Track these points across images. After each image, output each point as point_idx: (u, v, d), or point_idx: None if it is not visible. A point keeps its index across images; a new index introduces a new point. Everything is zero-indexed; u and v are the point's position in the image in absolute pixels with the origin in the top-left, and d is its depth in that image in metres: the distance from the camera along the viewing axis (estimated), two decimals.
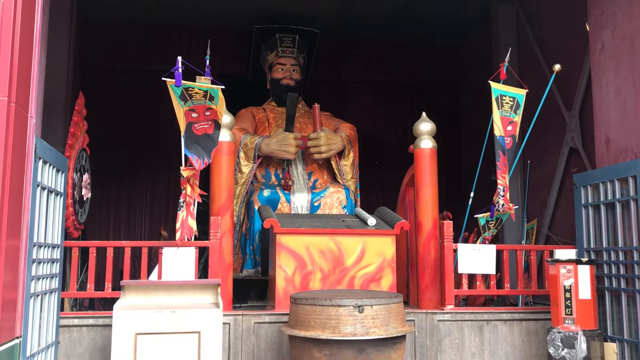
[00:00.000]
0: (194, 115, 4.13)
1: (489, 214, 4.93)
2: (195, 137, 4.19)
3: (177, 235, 4.33)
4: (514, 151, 4.78)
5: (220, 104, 4.14)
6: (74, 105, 4.91)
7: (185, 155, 4.23)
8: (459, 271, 4.90)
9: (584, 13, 5.17)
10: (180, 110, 4.15)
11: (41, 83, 3.97)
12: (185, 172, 4.23)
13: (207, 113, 4.12)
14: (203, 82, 4.09)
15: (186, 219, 4.29)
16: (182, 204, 4.29)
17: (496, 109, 4.73)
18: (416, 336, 4.68)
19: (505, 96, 4.75)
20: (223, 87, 4.05)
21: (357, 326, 3.59)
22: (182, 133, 4.23)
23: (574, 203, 4.90)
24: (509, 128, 4.73)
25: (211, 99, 4.07)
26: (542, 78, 6.31)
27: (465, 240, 5.53)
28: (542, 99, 4.92)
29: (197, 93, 4.04)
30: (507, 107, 4.75)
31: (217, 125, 4.23)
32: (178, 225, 4.32)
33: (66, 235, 4.49)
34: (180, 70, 3.95)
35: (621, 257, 4.36)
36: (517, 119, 4.78)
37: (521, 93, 4.83)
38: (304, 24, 7.24)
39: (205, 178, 4.64)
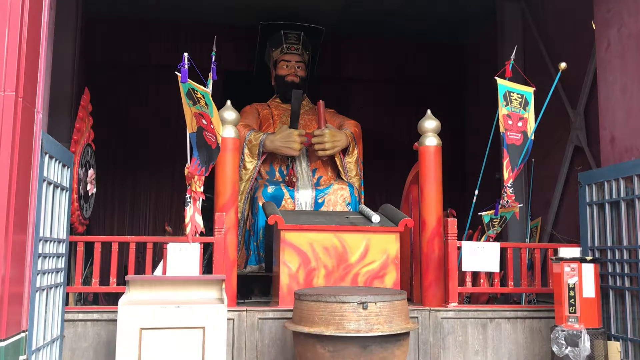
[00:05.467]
0: (204, 122, 4.11)
1: (493, 211, 4.93)
2: (205, 143, 4.19)
3: (187, 229, 4.34)
4: (525, 147, 4.77)
5: (215, 117, 4.06)
6: (80, 100, 4.92)
7: (191, 154, 4.24)
8: (463, 269, 4.90)
9: (589, 11, 5.15)
10: (187, 108, 4.15)
11: (47, 78, 3.99)
12: (187, 171, 4.24)
13: (212, 126, 4.10)
14: (203, 87, 4.05)
15: (193, 214, 4.30)
16: (189, 200, 4.30)
17: (502, 106, 4.73)
18: (419, 333, 4.68)
19: (513, 93, 4.75)
20: (209, 91, 4.00)
21: (361, 323, 3.60)
22: (189, 130, 4.23)
23: (578, 201, 4.89)
24: (520, 124, 4.73)
25: (206, 105, 4.03)
26: (548, 76, 6.29)
27: (470, 238, 5.53)
28: (547, 97, 4.91)
29: (200, 99, 4.02)
30: (516, 103, 4.74)
31: (217, 147, 4.18)
32: (187, 220, 4.33)
33: (71, 230, 4.50)
34: (186, 66, 3.94)
35: (625, 256, 4.36)
36: (527, 115, 4.78)
37: (529, 91, 4.82)
38: (308, 21, 7.24)
39: (210, 174, 4.65)
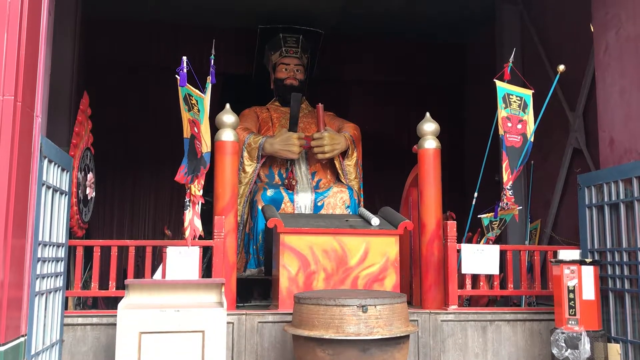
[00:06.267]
0: (196, 130, 4.10)
1: (492, 214, 4.93)
2: (194, 151, 4.17)
3: (187, 233, 4.34)
4: (524, 149, 4.78)
5: (205, 125, 4.02)
6: (79, 104, 4.92)
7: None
8: (463, 271, 4.90)
9: (588, 13, 5.16)
10: (184, 112, 4.14)
11: (46, 82, 3.99)
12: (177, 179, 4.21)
13: (201, 134, 4.08)
14: (201, 91, 4.03)
15: (193, 218, 4.29)
16: (188, 204, 4.30)
17: (502, 108, 4.73)
18: (419, 336, 4.68)
19: (512, 95, 4.76)
20: (204, 96, 3.99)
21: (361, 326, 3.60)
22: (184, 135, 4.22)
23: (577, 204, 4.89)
24: (519, 126, 4.74)
25: (199, 111, 4.01)
26: (546, 78, 6.30)
27: (469, 241, 5.52)
28: (546, 99, 4.92)
29: (194, 104, 4.00)
30: (515, 105, 4.75)
31: (202, 157, 4.10)
32: (186, 224, 4.32)
33: (70, 234, 4.50)
34: (185, 70, 3.94)
35: (625, 258, 4.36)
36: (526, 117, 4.80)
37: (527, 93, 4.85)
38: (308, 23, 7.24)
39: (209, 178, 4.65)
